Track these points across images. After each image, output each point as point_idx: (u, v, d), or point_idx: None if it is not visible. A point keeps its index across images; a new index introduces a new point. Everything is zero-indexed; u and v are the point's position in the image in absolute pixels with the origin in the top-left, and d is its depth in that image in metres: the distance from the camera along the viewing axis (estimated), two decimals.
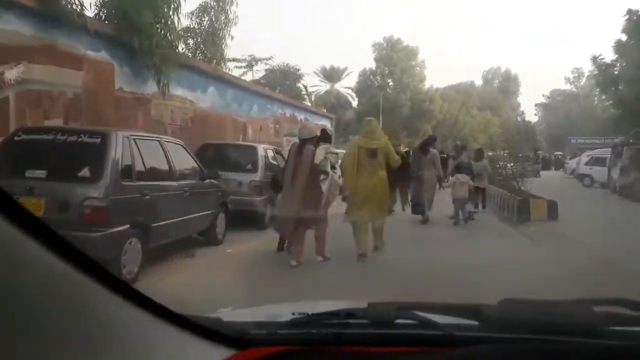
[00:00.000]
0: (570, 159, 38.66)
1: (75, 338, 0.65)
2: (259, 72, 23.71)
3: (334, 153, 6.60)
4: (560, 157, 40.63)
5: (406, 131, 44.07)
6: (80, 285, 0.65)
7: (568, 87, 71.07)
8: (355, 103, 48.85)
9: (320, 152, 6.31)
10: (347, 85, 49.29)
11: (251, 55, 24.34)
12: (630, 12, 19.54)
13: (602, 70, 21.08)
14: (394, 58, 45.53)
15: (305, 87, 33.72)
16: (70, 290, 0.64)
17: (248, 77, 20.64)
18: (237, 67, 21.23)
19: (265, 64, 24.61)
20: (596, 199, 17.56)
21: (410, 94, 45.17)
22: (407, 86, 45.49)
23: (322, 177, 6.19)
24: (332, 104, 47.25)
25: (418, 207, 10.40)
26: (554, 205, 10.73)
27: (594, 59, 21.37)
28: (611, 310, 1.19)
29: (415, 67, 46.57)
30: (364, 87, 47.70)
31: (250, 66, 23.24)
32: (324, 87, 49.04)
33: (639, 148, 16.63)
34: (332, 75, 49.58)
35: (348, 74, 50.39)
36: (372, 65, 47.83)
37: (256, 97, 15.75)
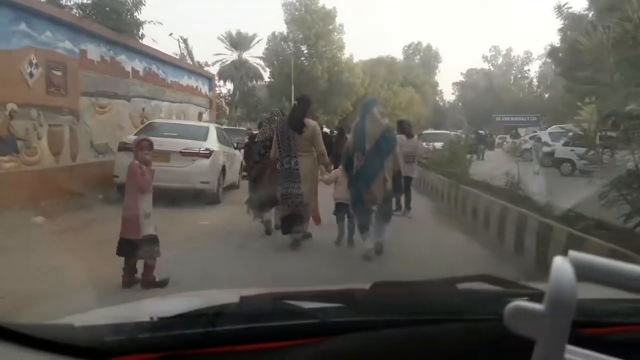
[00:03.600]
0: (511, 137, 34.93)
1: None
2: None
3: None
4: (489, 135, 36.59)
5: (322, 108, 39.11)
6: None
7: (485, 65, 69.77)
8: (267, 75, 43.15)
9: None
10: (256, 55, 43.36)
11: None
12: None
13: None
14: (308, 20, 39.43)
15: (185, 40, 26.54)
16: None
17: None
18: None
19: None
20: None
21: (327, 64, 39.43)
22: (324, 55, 39.67)
23: None
24: (240, 75, 41.59)
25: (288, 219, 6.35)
26: None
27: (559, 9, 16.54)
28: (473, 287, 1.19)
29: (333, 32, 40.75)
30: (274, 55, 41.50)
31: None
32: (230, 56, 42.63)
33: None
34: (239, 42, 43.11)
35: (258, 42, 44.35)
36: (282, 29, 41.73)
37: None
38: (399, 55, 64.77)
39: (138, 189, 4.84)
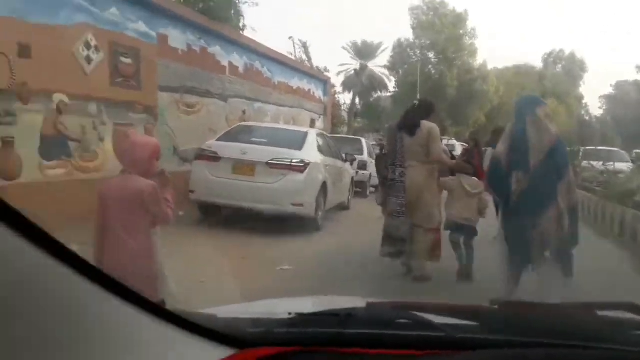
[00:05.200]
0: None
1: (68, 337, 0.64)
2: None
3: None
4: None
5: (452, 119, 35.66)
6: (71, 283, 0.63)
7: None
8: (392, 85, 40.71)
9: None
10: (381, 64, 41.08)
11: None
12: None
13: None
14: (437, 25, 36.19)
15: (304, 44, 24.73)
16: (60, 288, 0.62)
17: None
18: None
19: None
20: None
21: (457, 71, 35.89)
22: (454, 61, 36.17)
23: None
24: (364, 85, 39.68)
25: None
26: None
27: None
28: (615, 315, 1.17)
29: (464, 37, 37.06)
30: (399, 63, 38.85)
31: None
32: (354, 65, 40.80)
33: None
34: (364, 52, 41.20)
35: (383, 50, 41.96)
36: (409, 35, 38.96)
37: None
38: (537, 64, 58.61)
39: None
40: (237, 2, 11.49)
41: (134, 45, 7.77)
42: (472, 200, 5.08)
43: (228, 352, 0.94)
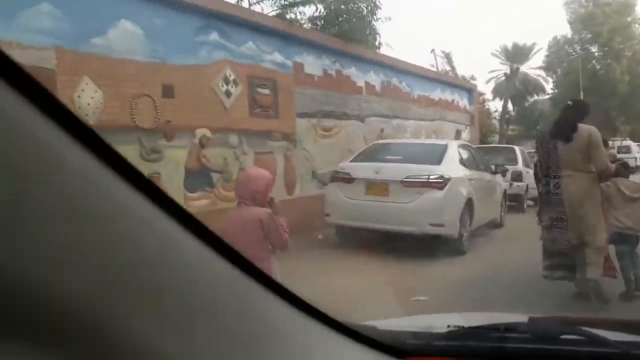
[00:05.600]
0: None
1: (244, 337, 0.66)
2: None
3: None
4: None
5: (624, 117, 31.69)
6: (248, 289, 0.67)
7: None
8: (549, 86, 37.60)
9: None
10: (535, 66, 38.21)
11: None
12: None
13: None
14: (598, 15, 32.59)
15: (447, 54, 23.74)
16: (238, 294, 0.66)
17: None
18: None
19: None
20: None
21: (627, 63, 31.84)
22: (622, 53, 32.21)
23: None
24: (518, 90, 37.23)
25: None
26: None
27: None
28: None
29: (633, 25, 32.87)
30: (556, 62, 35.71)
31: None
32: (503, 70, 38.53)
33: None
34: (516, 54, 38.72)
35: (538, 51, 38.96)
36: (565, 31, 35.73)
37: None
38: None
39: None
40: (371, 20, 11.42)
41: (271, 76, 8.05)
42: (634, 206, 4.65)
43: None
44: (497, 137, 26.70)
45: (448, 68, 23.85)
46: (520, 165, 11.71)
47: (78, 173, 0.43)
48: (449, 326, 1.09)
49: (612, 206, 4.68)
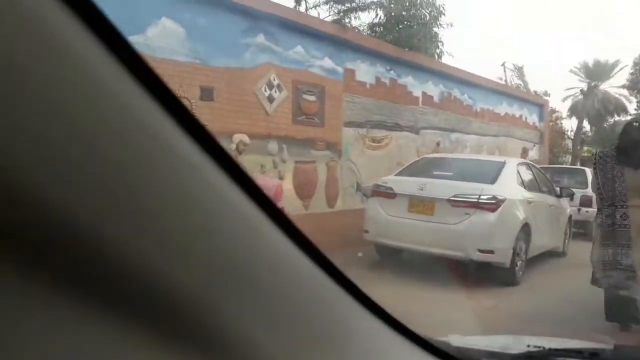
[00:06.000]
0: None
1: (322, 338, 0.67)
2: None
3: None
4: None
5: None
6: (329, 290, 0.68)
7: None
8: (632, 107, 35.11)
9: None
10: (617, 85, 35.77)
11: None
12: None
13: None
14: None
15: (519, 68, 22.48)
16: (320, 293, 0.67)
17: None
18: None
19: None
20: None
21: None
22: None
23: None
24: (596, 109, 35.05)
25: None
26: None
27: None
28: None
29: None
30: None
31: None
32: (581, 87, 36.36)
33: None
34: (596, 72, 36.49)
35: (622, 69, 36.56)
36: None
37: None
38: None
39: None
40: (433, 26, 10.87)
41: (318, 82, 7.69)
42: None
43: None
44: (569, 158, 24.98)
45: (520, 82, 22.63)
46: (590, 189, 10.70)
47: (186, 164, 0.45)
48: (528, 346, 1.06)
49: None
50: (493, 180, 6.28)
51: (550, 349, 1.06)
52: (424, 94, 10.14)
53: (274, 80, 6.97)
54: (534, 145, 14.76)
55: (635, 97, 34.79)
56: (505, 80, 22.03)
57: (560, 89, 62.20)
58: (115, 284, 0.40)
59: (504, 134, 12.99)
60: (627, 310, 4.13)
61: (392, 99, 9.24)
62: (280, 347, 0.55)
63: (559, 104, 38.84)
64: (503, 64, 22.69)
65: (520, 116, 13.88)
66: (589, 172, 11.76)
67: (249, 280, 0.51)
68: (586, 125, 35.74)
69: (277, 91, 6.99)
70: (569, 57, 74.19)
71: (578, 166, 15.16)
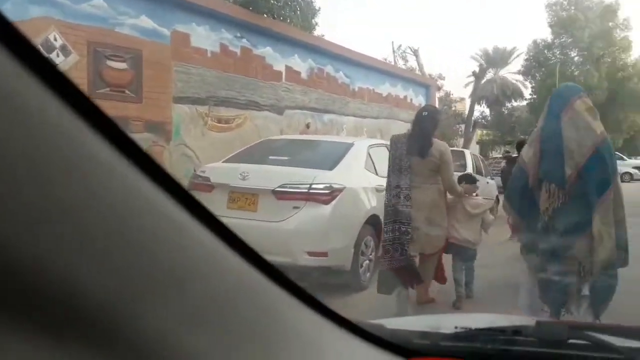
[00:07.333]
0: None
1: (255, 333, 0.65)
2: None
3: None
4: None
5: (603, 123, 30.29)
6: (259, 285, 0.66)
7: None
8: (527, 92, 36.27)
9: None
10: (514, 70, 36.86)
11: None
12: None
13: None
14: (580, 20, 31.34)
15: (415, 51, 21.96)
16: (250, 289, 0.65)
17: None
18: None
19: None
20: None
21: (606, 70, 30.63)
22: (602, 59, 30.97)
23: None
24: (496, 95, 35.85)
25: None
26: None
27: None
28: None
29: (614, 30, 31.65)
30: (535, 66, 34.36)
31: None
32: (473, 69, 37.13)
33: None
34: (496, 58, 37.36)
35: (518, 56, 37.64)
36: (545, 35, 34.42)
37: None
38: None
39: None
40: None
41: (131, 45, 6.11)
42: (472, 222, 4.66)
43: (395, 359, 0.98)
44: (461, 141, 24.83)
45: (415, 65, 22.08)
46: (469, 171, 9.97)
47: (103, 167, 0.43)
48: (456, 327, 1.08)
49: (455, 219, 4.56)
50: (332, 166, 5.06)
51: (475, 329, 1.08)
52: (288, 68, 8.85)
53: (56, 40, 5.31)
54: None
55: (530, 82, 36.04)
56: (395, 62, 21.33)
57: (462, 75, 64.16)
58: (22, 294, 0.38)
59: (386, 115, 12.03)
60: (393, 284, 4.17)
61: (244, 72, 7.86)
62: (208, 345, 0.54)
63: (460, 89, 39.53)
64: (392, 44, 21.98)
65: (405, 97, 13.01)
66: (467, 153, 11.10)
67: (172, 280, 0.50)
68: (486, 110, 36.65)
69: (60, 54, 5.34)
70: (472, 44, 76.79)
71: (458, 148, 14.60)
